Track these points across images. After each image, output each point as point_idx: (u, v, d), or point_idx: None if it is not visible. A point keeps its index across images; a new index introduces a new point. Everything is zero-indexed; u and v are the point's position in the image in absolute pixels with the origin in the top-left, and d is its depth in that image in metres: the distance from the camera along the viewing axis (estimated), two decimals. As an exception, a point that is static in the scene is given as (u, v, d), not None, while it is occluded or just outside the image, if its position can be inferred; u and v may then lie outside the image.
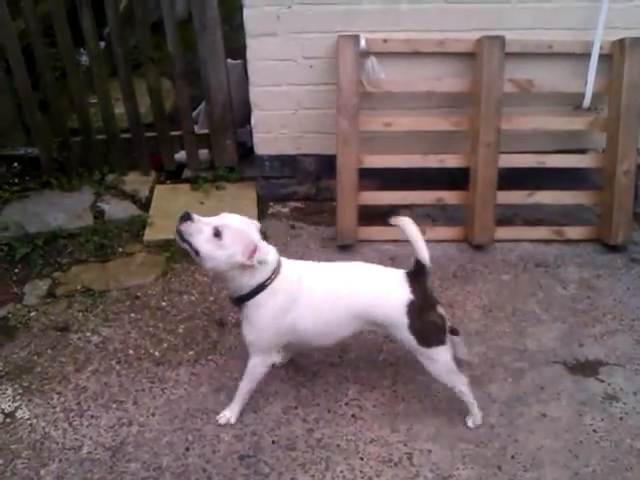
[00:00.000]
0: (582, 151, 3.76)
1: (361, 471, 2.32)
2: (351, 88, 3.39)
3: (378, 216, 3.67)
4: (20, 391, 2.66)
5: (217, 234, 2.19)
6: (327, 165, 3.64)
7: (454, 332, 2.49)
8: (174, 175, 4.04)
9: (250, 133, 3.84)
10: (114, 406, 2.58)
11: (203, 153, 4.00)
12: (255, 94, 3.67)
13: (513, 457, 2.38)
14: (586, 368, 2.78)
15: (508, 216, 3.76)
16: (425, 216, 3.78)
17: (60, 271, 3.34)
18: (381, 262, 2.57)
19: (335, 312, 2.37)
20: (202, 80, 3.75)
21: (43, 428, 2.49)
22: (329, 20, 3.44)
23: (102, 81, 3.74)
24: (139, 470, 2.32)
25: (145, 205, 3.78)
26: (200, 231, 2.20)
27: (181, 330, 2.97)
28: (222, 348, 2.85)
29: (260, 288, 2.29)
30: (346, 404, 2.59)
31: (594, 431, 2.48)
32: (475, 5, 3.43)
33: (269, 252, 2.30)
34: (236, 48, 3.90)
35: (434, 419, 2.53)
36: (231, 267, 2.23)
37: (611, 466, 2.34)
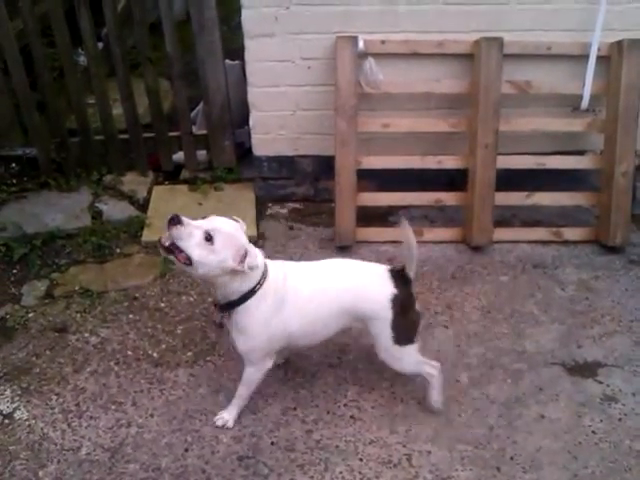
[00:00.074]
0: (580, 152, 3.77)
1: (360, 472, 2.32)
2: (349, 89, 3.39)
3: (376, 217, 3.69)
4: (18, 392, 2.65)
5: (208, 238, 2.11)
6: (325, 166, 3.64)
7: None
8: (172, 176, 4.03)
9: (248, 134, 3.83)
10: (113, 407, 2.58)
11: (201, 154, 3.99)
12: (253, 95, 3.66)
13: (512, 458, 2.38)
14: (585, 369, 2.78)
15: (506, 217, 3.76)
16: (423, 217, 3.78)
17: (58, 272, 3.33)
18: (379, 263, 2.57)
19: (322, 309, 2.36)
20: (200, 81, 3.75)
21: (41, 429, 2.48)
22: (327, 21, 3.44)
23: (100, 81, 3.74)
24: (138, 471, 2.32)
25: (143, 206, 3.77)
26: (191, 235, 2.12)
27: (179, 331, 2.96)
28: (220, 349, 2.85)
29: (250, 293, 2.24)
30: (345, 405, 2.59)
31: (593, 432, 2.48)
32: (473, 6, 3.43)
33: (257, 256, 2.24)
34: (234, 49, 3.89)
35: (433, 420, 2.53)
36: (222, 273, 2.16)
37: (610, 467, 2.34)
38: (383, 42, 3.44)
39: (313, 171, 3.88)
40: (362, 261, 2.55)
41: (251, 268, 2.18)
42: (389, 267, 2.45)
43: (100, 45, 4.09)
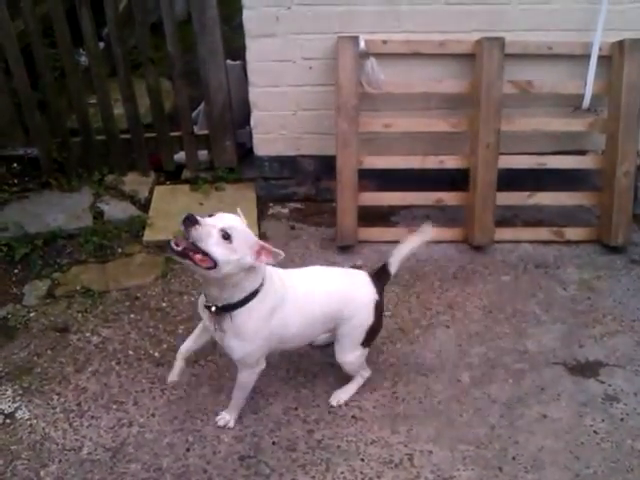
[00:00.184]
0: (582, 152, 3.76)
1: (362, 472, 2.32)
2: (351, 89, 3.39)
3: (378, 217, 3.69)
4: (20, 392, 2.65)
5: (226, 236, 2.01)
6: (327, 166, 3.64)
7: None
8: (173, 176, 4.03)
9: (249, 134, 3.83)
10: (114, 407, 2.58)
11: (202, 154, 3.99)
12: (254, 95, 3.66)
13: (514, 458, 2.38)
14: (586, 369, 2.78)
15: (508, 217, 3.76)
16: (425, 217, 3.77)
17: (60, 272, 3.33)
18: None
19: (316, 311, 2.37)
20: (201, 80, 3.75)
21: (43, 429, 2.48)
22: (328, 21, 3.44)
23: (101, 81, 3.73)
24: (139, 471, 2.32)
25: (144, 206, 3.77)
26: (209, 235, 1.99)
27: (181, 331, 2.96)
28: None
29: (253, 294, 2.17)
30: (346, 405, 2.59)
31: (595, 432, 2.48)
32: (475, 6, 3.43)
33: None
34: (235, 49, 3.89)
35: (434, 420, 2.53)
36: (240, 271, 2.07)
37: (612, 467, 2.34)
38: (384, 42, 3.43)
39: (314, 171, 3.88)
40: (342, 268, 2.68)
41: (277, 257, 2.10)
42: (368, 272, 2.56)
43: (101, 45, 4.10)
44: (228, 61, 3.81)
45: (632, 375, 2.74)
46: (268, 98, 3.66)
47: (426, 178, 3.54)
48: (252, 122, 3.75)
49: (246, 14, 3.45)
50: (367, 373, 2.63)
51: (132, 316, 3.06)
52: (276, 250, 2.10)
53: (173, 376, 2.47)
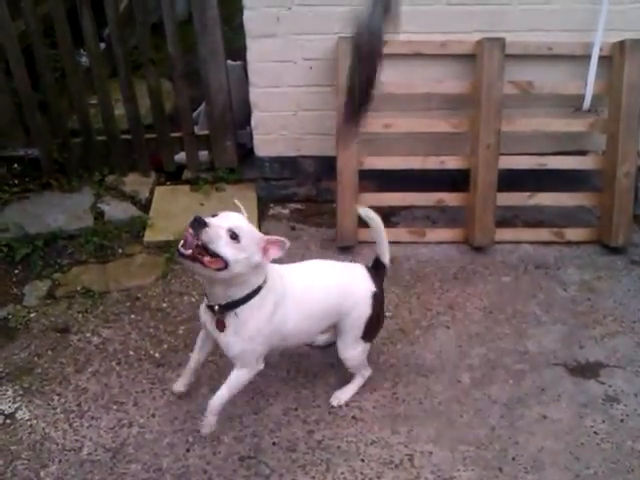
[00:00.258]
0: (582, 153, 3.76)
1: (362, 473, 2.31)
2: (351, 89, 3.39)
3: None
4: (20, 392, 2.65)
5: (234, 236, 2.01)
6: (327, 167, 3.64)
7: None
8: (174, 176, 4.03)
9: (250, 134, 3.83)
10: (114, 407, 2.58)
11: (203, 154, 3.99)
12: (255, 95, 3.66)
13: (514, 459, 2.38)
14: (587, 370, 2.78)
15: (508, 218, 3.75)
16: (425, 218, 3.78)
17: (60, 272, 3.33)
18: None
19: (315, 306, 2.37)
20: (202, 81, 3.75)
21: (43, 429, 2.48)
22: (329, 21, 3.43)
23: (102, 82, 3.74)
24: (139, 471, 2.32)
25: (145, 206, 3.77)
26: (218, 236, 1.99)
27: (181, 331, 2.96)
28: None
29: (256, 291, 2.17)
30: (346, 405, 2.58)
31: (595, 433, 2.48)
32: (476, 7, 3.43)
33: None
34: (236, 49, 3.89)
35: (434, 421, 2.53)
36: (248, 269, 2.08)
37: (612, 468, 2.34)
38: (385, 42, 3.42)
39: (315, 171, 3.88)
40: (339, 262, 2.64)
41: (284, 246, 2.11)
42: (365, 265, 2.55)
43: (102, 46, 4.10)
44: (229, 61, 3.81)
45: (632, 376, 2.74)
46: (269, 99, 3.66)
47: (427, 179, 3.54)
48: (253, 123, 3.75)
49: (247, 14, 3.45)
50: (368, 372, 2.63)
51: (132, 316, 3.06)
52: (281, 238, 2.11)
53: (179, 387, 2.55)
